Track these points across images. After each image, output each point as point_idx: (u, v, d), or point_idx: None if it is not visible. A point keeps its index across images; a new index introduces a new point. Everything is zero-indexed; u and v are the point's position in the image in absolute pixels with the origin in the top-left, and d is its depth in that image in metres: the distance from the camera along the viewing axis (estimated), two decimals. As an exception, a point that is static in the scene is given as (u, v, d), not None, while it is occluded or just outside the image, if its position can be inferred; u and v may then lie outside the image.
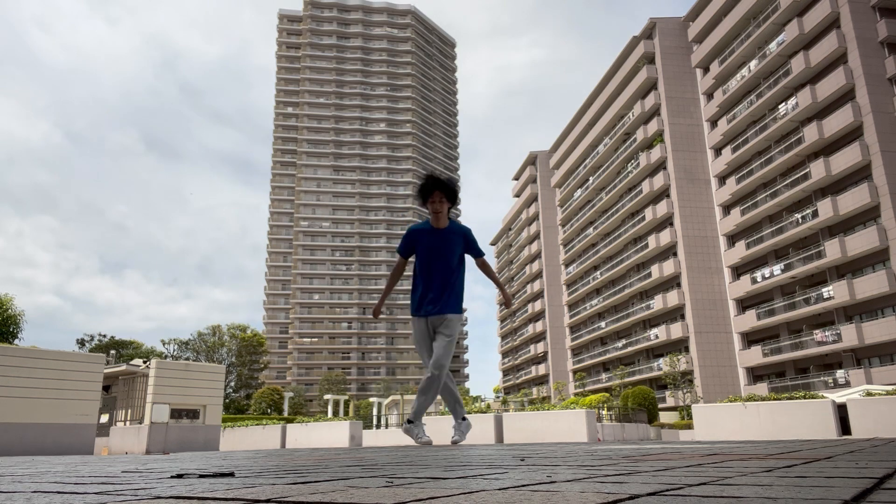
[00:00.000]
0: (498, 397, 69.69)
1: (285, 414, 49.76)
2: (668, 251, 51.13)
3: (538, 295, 78.05)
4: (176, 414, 15.68)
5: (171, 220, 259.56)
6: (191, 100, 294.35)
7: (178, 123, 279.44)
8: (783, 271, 39.14)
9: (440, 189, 4.99)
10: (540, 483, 1.32)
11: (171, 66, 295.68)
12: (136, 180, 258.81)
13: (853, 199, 34.32)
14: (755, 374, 42.58)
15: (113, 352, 36.83)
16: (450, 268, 5.13)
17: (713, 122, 47.89)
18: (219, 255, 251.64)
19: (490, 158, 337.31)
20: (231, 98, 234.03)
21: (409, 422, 5.14)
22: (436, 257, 5.09)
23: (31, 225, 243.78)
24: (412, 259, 5.35)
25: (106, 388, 17.73)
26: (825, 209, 35.85)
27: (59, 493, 1.38)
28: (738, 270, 44.49)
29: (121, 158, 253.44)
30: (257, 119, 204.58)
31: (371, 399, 48.03)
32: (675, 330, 47.96)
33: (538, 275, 78.26)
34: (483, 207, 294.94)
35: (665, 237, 50.15)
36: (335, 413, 42.60)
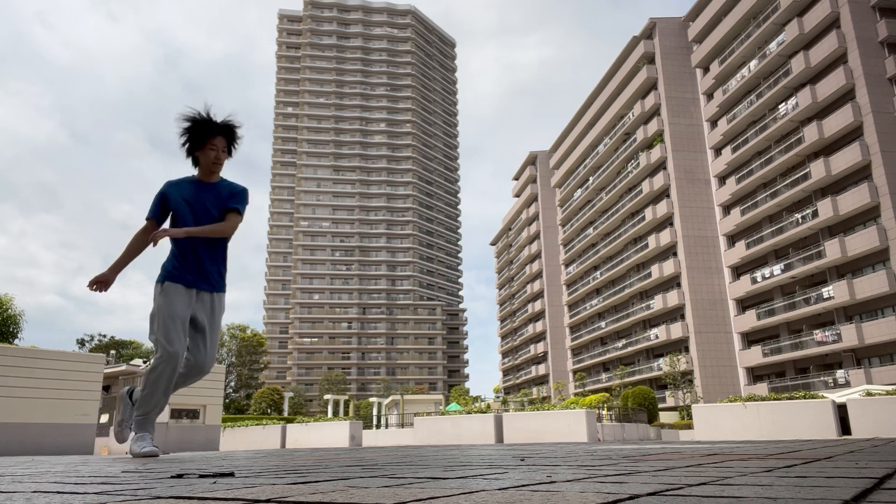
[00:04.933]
0: (498, 397, 69.69)
1: (285, 414, 49.77)
2: (668, 251, 51.12)
3: (538, 295, 78.04)
4: (176, 414, 15.69)
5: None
6: (193, 97, 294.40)
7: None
8: (783, 271, 39.14)
9: (224, 133, 3.95)
10: (540, 483, 1.32)
11: (173, 64, 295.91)
12: (139, 179, 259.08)
13: (853, 199, 34.31)
14: (755, 374, 42.58)
15: (113, 352, 36.83)
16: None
17: (713, 122, 47.88)
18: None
19: (496, 157, 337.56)
20: (233, 96, 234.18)
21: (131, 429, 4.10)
22: (206, 219, 3.99)
23: (34, 224, 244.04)
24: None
25: (106, 388, 17.74)
26: (825, 209, 35.85)
27: (59, 493, 1.38)
28: (738, 270, 44.48)
29: (125, 157, 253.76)
30: (259, 117, 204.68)
31: (371, 399, 48.04)
32: (675, 330, 47.95)
33: (538, 275, 78.26)
34: (487, 206, 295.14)
35: (665, 237, 50.14)
36: (335, 413, 42.59)
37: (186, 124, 3.92)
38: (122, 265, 3.99)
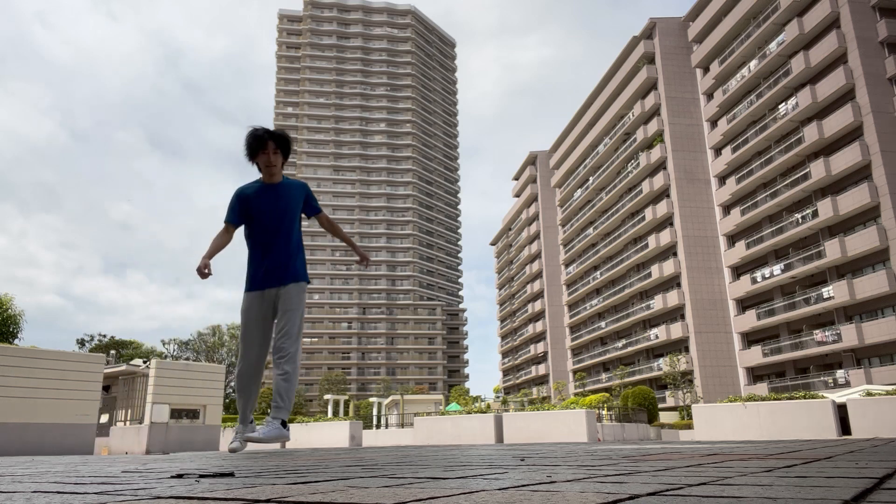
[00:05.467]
0: (498, 397, 69.70)
1: (285, 414, 49.68)
2: (668, 251, 51.12)
3: (538, 295, 78.04)
4: (176, 414, 15.68)
5: (175, 219, 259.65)
6: (194, 97, 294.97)
7: (182, 121, 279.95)
8: (783, 271, 39.13)
9: (272, 138, 4.35)
10: (540, 483, 1.32)
11: (173, 64, 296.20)
12: (139, 179, 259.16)
13: (853, 199, 34.31)
14: (755, 374, 42.57)
15: (113, 352, 36.80)
16: (293, 228, 4.48)
17: (713, 122, 47.88)
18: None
19: (496, 157, 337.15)
20: (233, 95, 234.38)
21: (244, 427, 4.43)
22: (276, 218, 4.40)
23: (34, 224, 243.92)
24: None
25: (106, 388, 17.72)
26: (825, 209, 35.85)
27: (59, 493, 1.38)
28: (738, 270, 44.48)
29: (125, 157, 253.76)
30: (259, 117, 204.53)
31: (371, 399, 48.02)
32: (675, 330, 47.95)
33: (538, 275, 78.25)
34: (487, 206, 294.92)
35: (665, 237, 50.14)
36: (335, 413, 42.58)
37: (246, 141, 4.37)
38: (209, 255, 4.34)
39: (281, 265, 4.37)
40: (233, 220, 4.40)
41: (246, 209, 4.41)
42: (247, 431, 4.34)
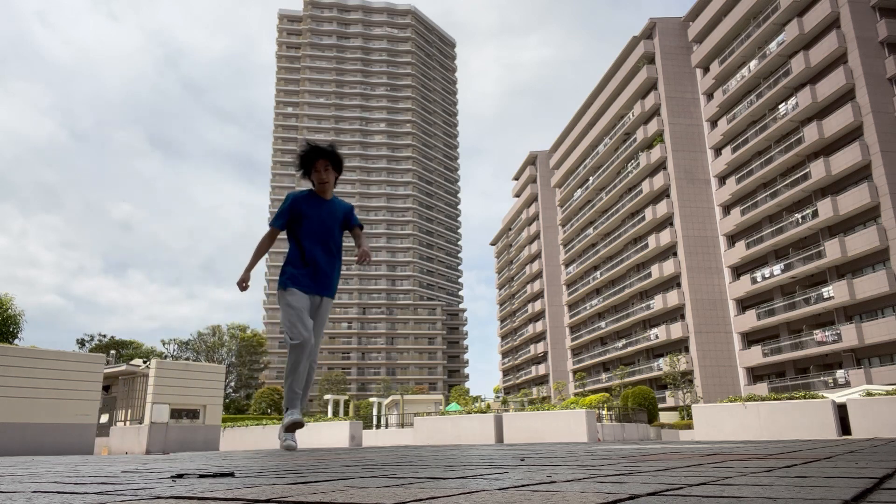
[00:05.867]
0: (498, 397, 69.68)
1: (285, 414, 49.69)
2: (668, 251, 51.12)
3: (538, 295, 78.04)
4: (176, 414, 15.68)
5: (176, 219, 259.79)
6: (194, 97, 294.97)
7: (183, 121, 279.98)
8: (783, 271, 39.14)
9: (325, 157, 4.58)
10: (540, 483, 1.32)
11: (173, 64, 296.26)
12: (139, 179, 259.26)
13: (853, 199, 34.31)
14: (755, 374, 42.58)
15: (113, 352, 36.80)
16: (338, 244, 4.77)
17: (713, 122, 47.87)
18: (221, 255, 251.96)
19: (497, 157, 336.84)
20: (233, 95, 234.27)
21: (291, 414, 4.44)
22: (325, 231, 4.65)
23: (34, 224, 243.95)
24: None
25: (106, 388, 17.73)
26: (825, 209, 35.85)
27: (59, 493, 1.38)
28: (738, 270, 44.48)
29: (125, 157, 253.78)
30: (259, 117, 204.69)
31: (371, 399, 48.02)
32: (675, 330, 47.94)
33: (538, 275, 78.25)
34: (487, 206, 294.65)
35: (665, 237, 50.14)
36: (335, 413, 42.57)
37: (298, 156, 4.64)
38: (252, 265, 4.58)
39: (327, 277, 4.69)
40: (280, 226, 4.62)
41: (296, 215, 4.61)
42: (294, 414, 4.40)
